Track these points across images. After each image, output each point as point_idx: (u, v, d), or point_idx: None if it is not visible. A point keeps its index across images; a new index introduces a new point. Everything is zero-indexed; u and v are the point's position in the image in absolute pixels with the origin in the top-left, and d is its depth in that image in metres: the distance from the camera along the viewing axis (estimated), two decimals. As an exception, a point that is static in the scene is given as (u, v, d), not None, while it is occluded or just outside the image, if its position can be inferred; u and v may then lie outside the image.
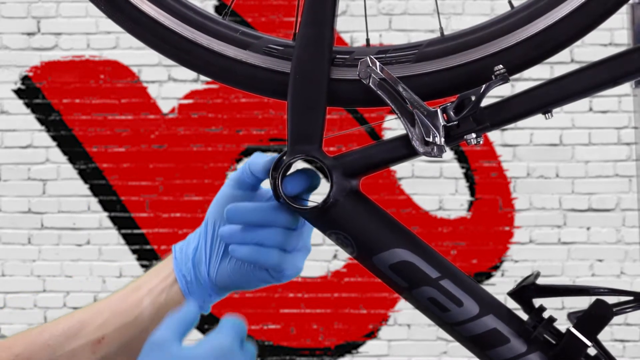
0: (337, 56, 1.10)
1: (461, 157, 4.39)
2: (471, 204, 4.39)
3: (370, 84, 1.06)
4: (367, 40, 1.16)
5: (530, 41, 1.05)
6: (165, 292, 1.18)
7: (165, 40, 1.13)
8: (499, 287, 4.24)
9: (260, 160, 1.12)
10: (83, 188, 4.45)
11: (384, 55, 1.08)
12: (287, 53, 1.11)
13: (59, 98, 4.46)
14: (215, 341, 0.99)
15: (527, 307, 1.09)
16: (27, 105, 4.46)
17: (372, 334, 4.40)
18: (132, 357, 1.19)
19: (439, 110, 1.05)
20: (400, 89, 1.06)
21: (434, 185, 4.39)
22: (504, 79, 1.03)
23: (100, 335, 1.18)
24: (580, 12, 1.04)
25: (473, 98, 1.04)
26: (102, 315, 1.18)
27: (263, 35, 1.13)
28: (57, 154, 4.45)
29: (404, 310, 4.35)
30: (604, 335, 1.04)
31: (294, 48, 1.09)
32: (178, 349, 0.99)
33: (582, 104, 4.27)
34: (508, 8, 1.09)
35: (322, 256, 4.39)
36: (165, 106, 4.46)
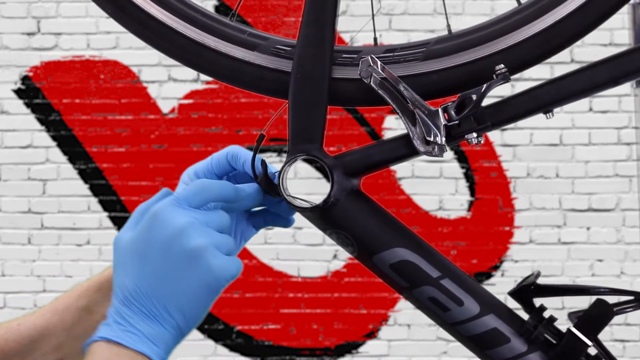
0: (344, 56, 1.10)
1: (461, 157, 4.39)
2: (471, 204, 4.39)
3: (371, 83, 1.06)
4: (375, 39, 1.16)
5: (533, 40, 1.05)
6: None
7: (173, 42, 1.13)
8: (499, 287, 4.24)
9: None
10: (83, 188, 4.45)
11: (391, 54, 1.08)
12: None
13: (59, 98, 4.45)
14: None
15: (528, 306, 1.09)
16: (27, 105, 4.46)
17: (372, 334, 4.40)
18: None
19: (440, 110, 1.05)
20: (402, 88, 1.06)
21: (434, 185, 4.39)
22: (505, 79, 1.03)
23: (59, 357, 1.16)
24: (582, 12, 1.04)
25: (474, 97, 1.04)
26: (57, 336, 1.16)
27: (270, 36, 1.12)
28: (57, 154, 4.45)
29: (404, 310, 4.35)
30: (604, 335, 1.04)
31: (295, 47, 1.09)
32: None
33: (582, 104, 4.27)
34: (508, 7, 1.09)
35: (322, 256, 4.39)
36: (165, 106, 4.45)
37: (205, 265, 0.98)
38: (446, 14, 1.20)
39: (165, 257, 0.97)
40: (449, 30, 1.11)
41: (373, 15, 1.20)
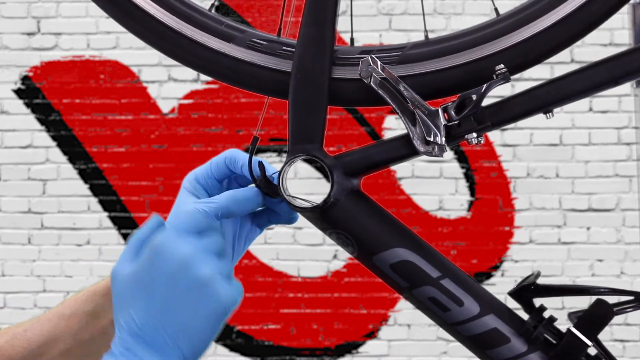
0: None
1: (461, 157, 4.39)
2: (471, 204, 4.39)
3: (371, 83, 1.06)
4: (352, 39, 1.17)
5: (520, 46, 1.05)
6: None
7: (151, 29, 1.12)
8: (499, 287, 4.24)
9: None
10: (83, 188, 4.45)
11: (366, 56, 1.08)
12: (271, 48, 1.10)
13: (59, 98, 4.46)
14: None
15: (528, 306, 1.09)
16: (27, 105, 4.46)
17: (372, 334, 4.40)
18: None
19: (440, 110, 1.05)
20: (402, 88, 1.06)
21: (434, 185, 4.39)
22: (505, 79, 1.03)
23: None
24: (579, 14, 1.04)
25: (474, 97, 1.04)
26: (64, 341, 1.16)
27: (248, 29, 1.12)
28: (57, 154, 4.45)
29: (404, 310, 4.35)
30: (604, 335, 1.04)
31: (295, 47, 1.09)
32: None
33: (582, 104, 4.27)
34: (507, 8, 1.09)
35: (322, 256, 4.39)
36: (165, 106, 4.45)
37: (214, 294, 0.97)
38: (424, 18, 1.20)
39: (173, 289, 0.97)
40: (426, 36, 1.11)
41: (352, 14, 1.20)
